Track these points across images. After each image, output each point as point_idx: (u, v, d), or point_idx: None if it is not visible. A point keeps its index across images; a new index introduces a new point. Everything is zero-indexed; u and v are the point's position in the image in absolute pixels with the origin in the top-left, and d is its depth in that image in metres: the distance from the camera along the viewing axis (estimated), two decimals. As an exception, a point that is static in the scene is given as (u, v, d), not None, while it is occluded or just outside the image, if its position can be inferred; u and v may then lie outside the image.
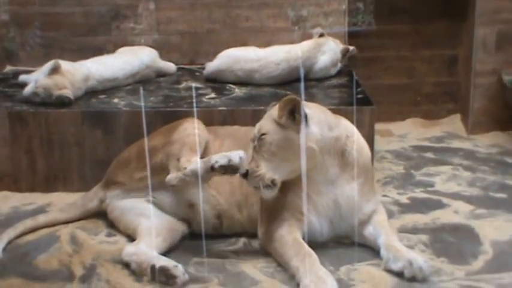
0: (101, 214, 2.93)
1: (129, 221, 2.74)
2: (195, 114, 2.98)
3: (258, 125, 2.53)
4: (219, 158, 2.48)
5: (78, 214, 2.93)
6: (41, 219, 2.86)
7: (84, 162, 3.27)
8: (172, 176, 2.61)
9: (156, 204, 2.77)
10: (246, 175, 2.46)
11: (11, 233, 2.74)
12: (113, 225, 2.87)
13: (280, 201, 2.56)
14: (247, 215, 2.75)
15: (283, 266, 2.48)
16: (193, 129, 2.73)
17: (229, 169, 2.47)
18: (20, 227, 2.78)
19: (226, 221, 2.77)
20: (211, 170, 2.49)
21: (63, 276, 2.46)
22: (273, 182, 2.45)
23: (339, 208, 2.58)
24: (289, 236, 2.49)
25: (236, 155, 2.46)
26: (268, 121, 2.51)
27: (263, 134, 2.47)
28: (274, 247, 2.53)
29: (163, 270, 2.37)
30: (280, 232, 2.52)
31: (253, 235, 2.74)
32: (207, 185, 2.75)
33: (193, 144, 2.66)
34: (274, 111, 2.53)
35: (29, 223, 2.82)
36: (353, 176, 2.58)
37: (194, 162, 2.56)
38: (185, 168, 2.56)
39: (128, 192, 2.81)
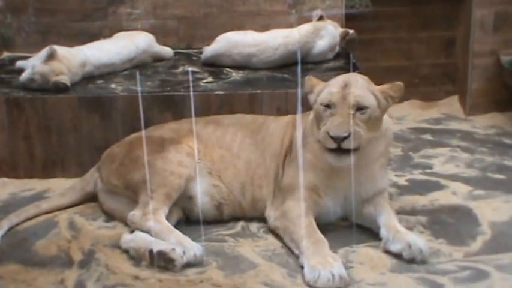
0: (94, 199, 2.91)
1: (122, 210, 2.71)
2: (192, 99, 2.95)
3: (357, 96, 2.46)
4: (173, 247, 2.38)
5: (78, 198, 2.91)
6: (43, 205, 2.85)
7: (82, 148, 3.24)
8: (134, 218, 2.56)
9: None
10: (346, 138, 2.39)
11: (13, 219, 2.72)
12: (111, 210, 2.86)
13: (299, 182, 2.56)
14: (251, 198, 2.73)
15: (288, 244, 2.48)
16: (178, 166, 2.66)
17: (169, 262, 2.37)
18: (23, 214, 2.77)
19: (228, 209, 2.75)
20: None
21: (62, 262, 2.45)
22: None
23: (359, 187, 2.59)
24: (305, 218, 2.49)
25: (192, 252, 2.38)
26: (370, 96, 2.49)
27: (366, 107, 2.46)
28: (285, 225, 2.53)
29: (161, 255, 2.36)
30: (297, 212, 2.51)
31: (252, 219, 2.74)
32: (209, 174, 2.74)
33: (171, 189, 2.61)
34: (374, 86, 2.56)
35: (31, 210, 2.80)
36: (382, 153, 2.62)
37: (156, 223, 2.50)
38: (147, 220, 2.52)
39: (110, 192, 2.80)
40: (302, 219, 2.47)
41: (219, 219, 2.75)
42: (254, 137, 2.81)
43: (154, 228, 2.49)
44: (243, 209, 2.75)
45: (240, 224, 2.73)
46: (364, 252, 2.46)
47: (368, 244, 2.51)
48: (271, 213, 2.65)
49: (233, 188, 2.74)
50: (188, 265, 2.37)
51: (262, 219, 2.73)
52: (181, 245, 2.41)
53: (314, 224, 2.49)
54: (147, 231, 2.50)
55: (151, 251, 2.38)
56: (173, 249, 2.37)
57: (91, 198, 2.92)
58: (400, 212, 2.77)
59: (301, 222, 2.46)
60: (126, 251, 2.48)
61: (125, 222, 2.67)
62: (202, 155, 2.77)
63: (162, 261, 2.36)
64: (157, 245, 2.40)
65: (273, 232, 2.62)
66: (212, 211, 2.74)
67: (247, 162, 2.77)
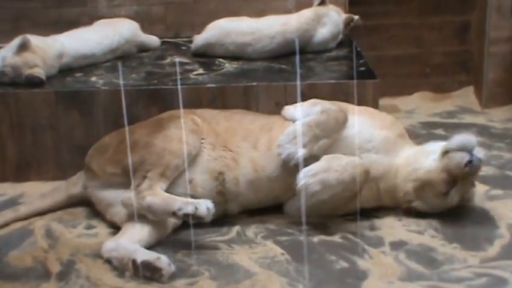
0: (79, 204, 2.91)
1: (116, 213, 2.72)
2: (180, 93, 2.96)
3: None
4: (183, 206, 2.48)
5: (62, 199, 2.91)
6: (22, 209, 2.84)
7: (60, 148, 3.24)
8: (128, 201, 2.59)
9: None
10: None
11: None
12: (92, 217, 2.86)
13: None
14: (267, 143, 2.76)
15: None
16: (178, 143, 2.68)
17: (194, 219, 2.48)
18: (0, 219, 2.77)
19: (230, 181, 2.75)
20: (173, 214, 2.50)
21: (38, 274, 2.43)
22: None
23: None
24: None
25: (204, 206, 2.46)
26: None
27: None
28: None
29: (146, 265, 2.36)
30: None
31: (248, 224, 2.75)
32: (210, 150, 2.77)
33: (167, 167, 2.64)
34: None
35: (9, 214, 2.80)
36: None
37: (155, 196, 2.54)
38: (143, 197, 2.55)
39: (106, 185, 2.79)
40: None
41: (222, 202, 2.75)
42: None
43: (154, 202, 2.52)
44: (253, 162, 2.75)
45: (235, 229, 2.73)
46: (373, 259, 2.47)
47: (377, 250, 2.52)
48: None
49: (242, 148, 2.77)
50: (177, 275, 2.37)
51: (260, 223, 2.75)
52: (192, 205, 2.45)
53: None
54: (147, 210, 2.52)
55: (134, 261, 2.37)
56: (158, 258, 2.37)
57: (76, 202, 2.92)
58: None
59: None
60: (108, 261, 2.48)
61: (114, 225, 2.68)
62: (205, 132, 2.82)
63: (147, 272, 2.35)
64: (141, 255, 2.39)
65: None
66: (213, 194, 2.74)
67: (264, 122, 2.86)
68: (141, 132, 2.76)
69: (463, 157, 2.58)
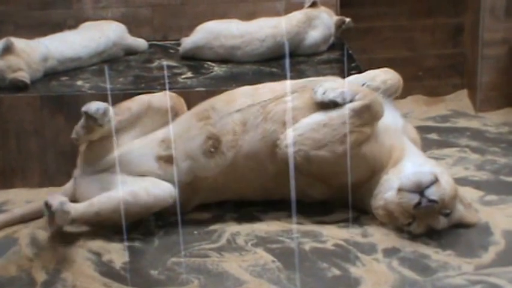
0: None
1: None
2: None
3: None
4: (88, 105, 2.76)
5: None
6: (16, 210, 2.87)
7: (45, 154, 3.24)
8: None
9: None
10: None
11: None
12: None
13: None
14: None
15: None
16: (143, 96, 2.95)
17: (89, 118, 2.74)
18: None
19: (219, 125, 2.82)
20: (85, 113, 2.76)
21: (23, 284, 2.43)
22: None
23: None
24: None
25: (95, 106, 2.74)
26: None
27: None
28: None
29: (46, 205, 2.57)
30: None
31: (239, 231, 2.75)
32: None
33: (119, 106, 2.87)
34: None
35: (1, 217, 2.82)
36: None
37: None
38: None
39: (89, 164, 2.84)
40: None
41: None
42: None
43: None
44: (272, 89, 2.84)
45: (225, 237, 2.73)
46: (366, 266, 2.48)
47: (370, 257, 2.53)
48: None
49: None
50: (167, 283, 2.37)
51: (250, 230, 2.75)
52: (90, 104, 2.73)
53: None
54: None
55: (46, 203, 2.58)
56: (63, 202, 2.56)
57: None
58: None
59: None
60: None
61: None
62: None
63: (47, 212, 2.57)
64: (52, 199, 2.59)
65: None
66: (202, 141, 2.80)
67: None
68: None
69: (411, 199, 2.47)
